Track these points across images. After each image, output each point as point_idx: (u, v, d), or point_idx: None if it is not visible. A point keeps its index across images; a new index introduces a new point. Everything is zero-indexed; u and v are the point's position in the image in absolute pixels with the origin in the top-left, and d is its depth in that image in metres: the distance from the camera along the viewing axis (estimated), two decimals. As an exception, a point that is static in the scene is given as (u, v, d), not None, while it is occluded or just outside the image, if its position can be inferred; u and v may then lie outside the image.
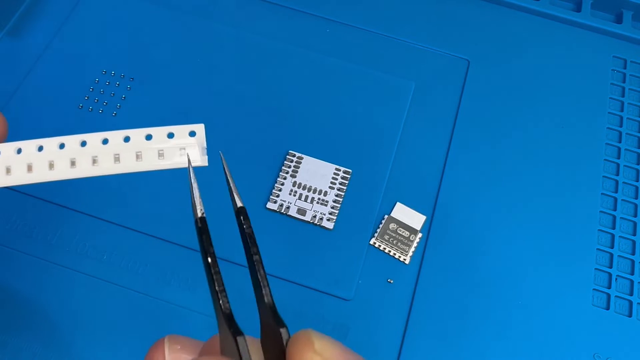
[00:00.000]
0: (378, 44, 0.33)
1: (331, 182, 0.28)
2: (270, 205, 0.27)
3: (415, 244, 0.27)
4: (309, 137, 0.29)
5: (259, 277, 0.13)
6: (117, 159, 0.12)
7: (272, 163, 0.28)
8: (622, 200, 0.29)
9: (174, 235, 0.26)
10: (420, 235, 0.27)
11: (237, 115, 0.30)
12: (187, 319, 0.24)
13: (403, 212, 0.27)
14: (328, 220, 0.27)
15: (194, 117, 0.29)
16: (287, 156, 0.28)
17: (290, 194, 0.27)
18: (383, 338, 0.25)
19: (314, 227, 0.27)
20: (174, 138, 0.13)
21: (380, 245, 0.26)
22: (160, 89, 0.30)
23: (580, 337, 0.25)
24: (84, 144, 0.13)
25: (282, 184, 0.27)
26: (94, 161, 0.12)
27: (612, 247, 0.28)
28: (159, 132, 0.12)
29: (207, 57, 0.31)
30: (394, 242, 0.27)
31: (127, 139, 0.13)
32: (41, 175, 0.12)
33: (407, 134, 0.30)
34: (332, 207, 0.27)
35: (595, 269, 0.27)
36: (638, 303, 0.26)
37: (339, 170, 0.28)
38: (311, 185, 0.27)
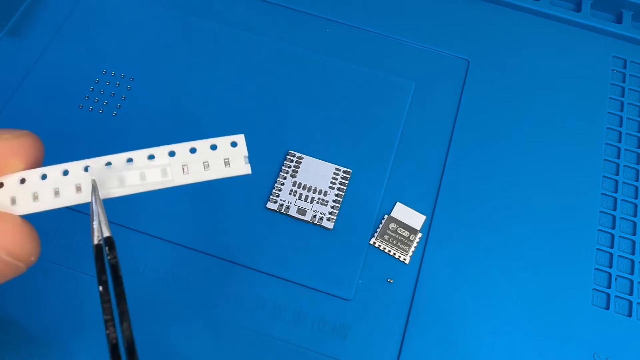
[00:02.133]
0: (378, 44, 0.33)
1: (331, 182, 0.28)
2: (270, 205, 0.27)
3: (415, 244, 0.27)
4: (309, 137, 0.29)
5: (119, 311, 0.12)
6: (164, 173, 0.13)
7: (272, 163, 0.28)
8: (622, 200, 0.29)
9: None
10: (420, 235, 0.27)
11: (237, 115, 0.30)
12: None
13: (403, 212, 0.27)
14: (328, 220, 0.27)
15: (194, 117, 0.29)
16: (287, 156, 0.28)
17: (290, 194, 0.27)
18: (383, 338, 0.25)
19: (314, 227, 0.27)
20: (217, 150, 0.13)
21: (380, 245, 0.26)
22: (160, 89, 0.30)
23: (580, 337, 0.25)
24: (130, 160, 0.13)
25: (282, 184, 0.27)
26: (142, 177, 0.13)
27: (612, 247, 0.28)
28: (202, 144, 0.13)
29: (207, 57, 0.31)
30: (394, 242, 0.27)
31: (172, 154, 0.13)
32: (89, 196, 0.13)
33: (407, 134, 0.30)
34: (332, 207, 0.27)
35: (595, 268, 0.27)
36: (638, 303, 0.26)
37: (339, 170, 0.28)
38: (311, 185, 0.28)
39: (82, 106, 0.29)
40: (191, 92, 0.30)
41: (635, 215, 0.29)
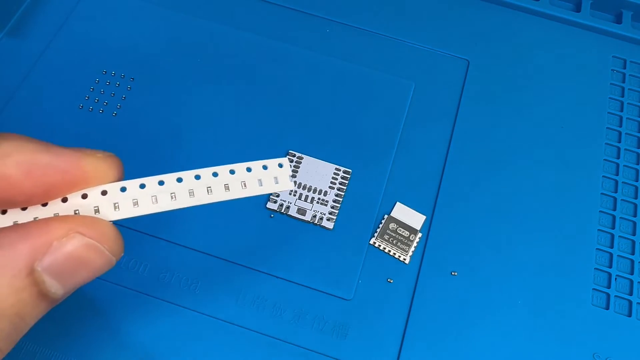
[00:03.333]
0: (378, 44, 0.33)
1: (331, 182, 0.28)
2: (270, 205, 0.27)
3: (415, 244, 0.27)
4: (309, 137, 0.29)
5: None
6: (227, 188, 0.16)
7: (272, 163, 0.28)
8: (621, 200, 0.29)
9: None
10: (420, 235, 0.27)
11: (237, 115, 0.30)
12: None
13: (403, 212, 0.27)
14: (328, 220, 0.27)
15: (194, 117, 0.29)
16: (287, 156, 0.28)
17: (290, 194, 0.27)
18: (383, 338, 0.25)
19: (314, 227, 0.27)
20: (268, 169, 0.16)
21: (380, 245, 0.26)
22: (160, 89, 0.30)
23: (579, 336, 0.25)
24: (198, 177, 0.16)
25: (282, 184, 0.27)
26: (209, 191, 0.16)
27: (611, 247, 0.28)
28: (257, 165, 0.16)
29: (207, 57, 0.31)
30: (394, 241, 0.27)
31: (232, 172, 0.16)
32: (151, 208, 0.15)
33: (407, 134, 0.30)
34: (332, 207, 0.27)
35: (595, 268, 0.27)
36: (638, 303, 0.26)
37: (339, 170, 0.28)
38: (311, 185, 0.28)
39: (82, 106, 0.29)
40: (191, 92, 0.30)
41: (635, 215, 0.29)
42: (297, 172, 0.28)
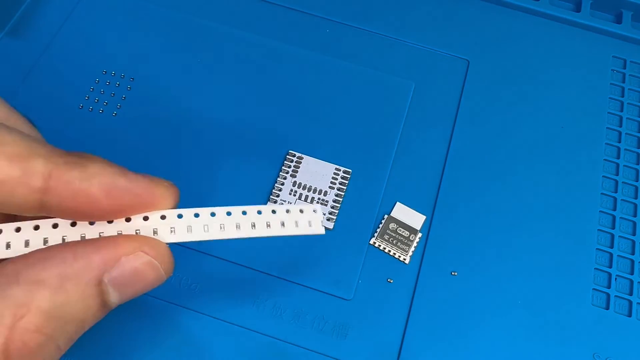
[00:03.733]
0: (378, 44, 0.33)
1: (331, 182, 0.28)
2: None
3: (415, 244, 0.27)
4: (309, 137, 0.29)
5: None
6: (268, 225, 0.18)
7: (272, 163, 0.28)
8: (621, 200, 0.29)
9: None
10: (420, 235, 0.27)
11: (237, 115, 0.30)
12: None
13: (403, 212, 0.27)
14: (328, 220, 0.27)
15: (194, 117, 0.29)
16: (287, 156, 0.28)
17: (290, 194, 0.27)
18: (383, 338, 0.25)
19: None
20: (304, 213, 0.18)
21: (380, 245, 0.26)
22: (160, 89, 0.30)
23: (579, 336, 0.25)
24: (244, 212, 0.18)
25: (282, 184, 0.27)
26: (253, 225, 0.17)
27: (611, 247, 0.28)
28: (295, 208, 0.18)
29: (206, 57, 0.31)
30: (394, 241, 0.27)
31: (274, 212, 0.18)
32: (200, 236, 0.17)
33: (407, 134, 0.30)
34: (332, 207, 0.27)
35: (595, 268, 0.27)
36: (638, 303, 0.26)
37: (339, 170, 0.28)
38: (311, 185, 0.28)
39: (82, 106, 0.29)
40: (191, 92, 0.30)
41: (635, 215, 0.29)
42: (297, 172, 0.28)
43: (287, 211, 0.18)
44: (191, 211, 0.17)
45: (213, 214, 0.17)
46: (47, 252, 0.15)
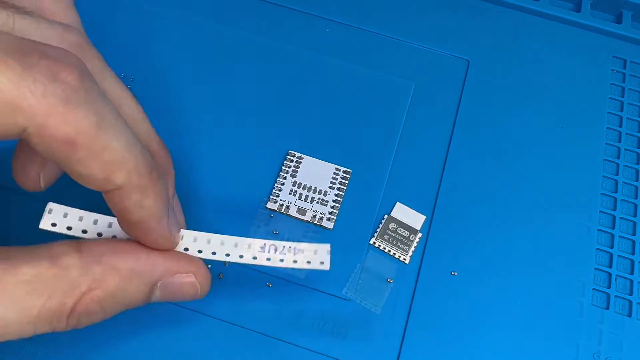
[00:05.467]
0: (378, 44, 0.33)
1: (331, 182, 0.28)
2: (270, 205, 0.27)
3: (415, 244, 0.27)
4: (309, 137, 0.29)
5: None
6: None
7: (272, 163, 0.28)
8: (621, 200, 0.29)
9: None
10: (420, 235, 0.27)
11: (237, 115, 0.30)
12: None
13: (403, 212, 0.27)
14: (328, 220, 0.27)
15: (194, 117, 0.29)
16: (287, 156, 0.28)
17: (290, 194, 0.27)
18: (383, 338, 0.25)
19: (314, 227, 0.27)
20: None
21: (380, 245, 0.26)
22: (160, 89, 0.30)
23: (579, 337, 0.25)
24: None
25: (282, 184, 0.27)
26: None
27: (611, 247, 0.28)
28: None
29: (207, 57, 0.31)
30: (394, 241, 0.27)
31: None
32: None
33: (407, 134, 0.30)
34: (332, 207, 0.27)
35: (595, 268, 0.27)
36: (638, 303, 0.26)
37: (339, 170, 0.28)
38: (311, 185, 0.28)
39: (82, 106, 0.29)
40: (191, 92, 0.30)
41: (635, 215, 0.29)
42: (297, 172, 0.28)
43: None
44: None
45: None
46: (128, 246, 0.18)
